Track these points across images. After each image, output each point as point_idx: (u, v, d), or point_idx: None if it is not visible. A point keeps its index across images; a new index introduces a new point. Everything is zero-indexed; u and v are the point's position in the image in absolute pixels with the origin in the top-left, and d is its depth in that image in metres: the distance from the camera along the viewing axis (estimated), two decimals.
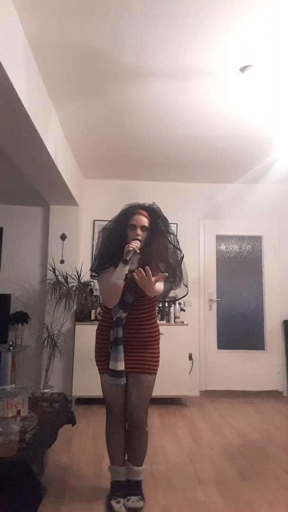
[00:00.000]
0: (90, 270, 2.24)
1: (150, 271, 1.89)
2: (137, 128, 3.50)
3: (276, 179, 4.67)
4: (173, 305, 4.47)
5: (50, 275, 4.37)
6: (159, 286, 2.05)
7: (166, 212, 5.00)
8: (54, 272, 4.32)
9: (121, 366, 2.05)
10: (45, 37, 2.28)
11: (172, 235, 2.20)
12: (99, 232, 2.29)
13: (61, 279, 4.30)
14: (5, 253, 4.78)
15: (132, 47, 2.37)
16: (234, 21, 2.13)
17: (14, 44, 2.09)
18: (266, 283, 4.94)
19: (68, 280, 4.29)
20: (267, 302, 4.90)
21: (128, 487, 2.20)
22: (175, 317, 4.42)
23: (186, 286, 2.22)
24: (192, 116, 3.24)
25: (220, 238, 5.02)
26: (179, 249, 2.19)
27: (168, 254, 2.16)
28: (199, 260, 4.92)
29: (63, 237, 4.57)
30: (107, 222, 2.26)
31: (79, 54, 2.44)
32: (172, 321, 4.38)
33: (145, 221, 2.12)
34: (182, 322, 4.40)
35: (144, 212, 2.15)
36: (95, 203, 4.83)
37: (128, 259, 1.94)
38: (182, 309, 4.56)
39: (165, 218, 2.22)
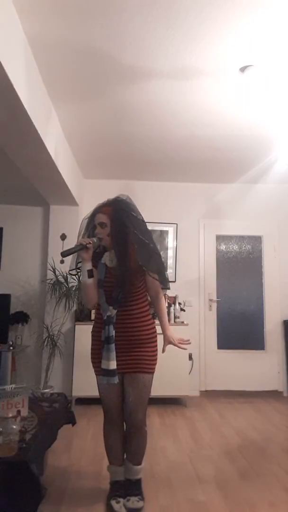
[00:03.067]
0: (69, 272, 2.28)
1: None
2: (137, 128, 3.50)
3: (276, 179, 4.67)
4: (173, 305, 4.48)
5: (50, 275, 4.38)
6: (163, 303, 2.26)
7: (166, 212, 4.99)
8: (54, 272, 4.32)
9: (113, 365, 2.04)
10: (45, 37, 2.28)
11: (136, 231, 2.11)
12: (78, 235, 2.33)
13: (61, 279, 4.30)
14: (5, 253, 4.78)
15: (132, 47, 2.37)
16: (234, 21, 2.13)
17: (14, 44, 2.09)
18: (266, 283, 4.94)
19: (68, 280, 4.29)
20: (267, 302, 4.90)
21: (127, 487, 2.20)
22: (175, 317, 4.42)
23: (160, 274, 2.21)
24: (192, 116, 3.24)
25: (220, 238, 5.02)
26: (147, 240, 2.13)
27: (140, 245, 2.11)
28: (199, 260, 4.92)
29: (63, 237, 4.57)
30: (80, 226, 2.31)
31: (79, 54, 2.44)
32: (172, 321, 4.38)
33: (103, 217, 2.12)
34: (182, 322, 4.41)
35: (105, 209, 2.15)
36: (95, 203, 4.78)
37: (76, 250, 2.02)
38: (182, 309, 4.56)
39: (128, 205, 2.17)
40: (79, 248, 2.03)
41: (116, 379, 2.06)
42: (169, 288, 2.27)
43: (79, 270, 2.24)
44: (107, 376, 2.05)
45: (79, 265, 2.21)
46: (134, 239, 2.09)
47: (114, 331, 2.08)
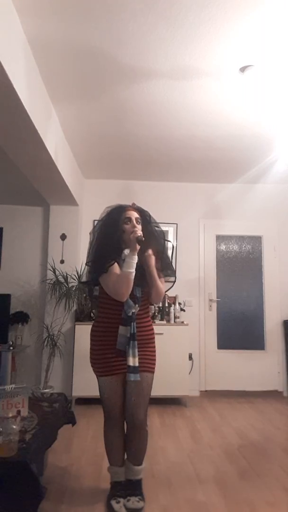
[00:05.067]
0: (93, 272, 2.15)
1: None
2: (137, 128, 3.50)
3: (276, 179, 4.67)
4: (173, 305, 4.48)
5: (50, 275, 4.37)
6: (163, 284, 2.22)
7: (166, 212, 5.02)
8: (54, 272, 4.32)
9: (137, 361, 2.07)
10: (45, 37, 2.28)
11: (159, 228, 2.29)
12: (90, 233, 2.31)
13: (61, 279, 4.30)
14: (5, 253, 4.78)
15: (132, 47, 2.37)
16: (234, 21, 2.13)
17: (14, 44, 2.09)
18: (266, 283, 4.93)
19: (68, 280, 4.29)
20: (267, 302, 4.90)
21: (128, 487, 2.20)
22: (175, 317, 4.42)
23: (174, 275, 2.33)
24: (192, 116, 3.24)
25: (220, 238, 5.02)
26: (169, 241, 2.34)
27: (161, 248, 2.24)
28: (199, 260, 4.92)
29: (63, 237, 4.57)
30: (94, 226, 2.32)
31: (79, 54, 2.44)
32: (172, 321, 4.38)
33: (137, 214, 2.19)
34: (182, 322, 4.40)
35: (132, 208, 2.24)
36: (95, 203, 4.79)
37: (142, 239, 2.01)
38: (182, 309, 4.56)
39: (149, 214, 2.29)
40: (142, 239, 2.03)
41: (139, 376, 2.07)
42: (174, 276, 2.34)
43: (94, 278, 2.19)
44: (134, 373, 2.05)
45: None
46: (159, 237, 2.23)
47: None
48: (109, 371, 2.13)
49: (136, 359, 2.06)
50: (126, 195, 4.70)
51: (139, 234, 2.03)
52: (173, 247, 2.32)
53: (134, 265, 2.03)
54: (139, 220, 2.18)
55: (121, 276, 2.03)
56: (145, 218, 2.23)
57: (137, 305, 2.12)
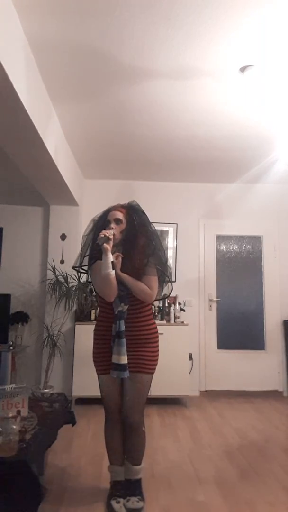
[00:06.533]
0: (74, 267, 2.28)
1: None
2: (137, 128, 3.50)
3: (276, 179, 4.67)
4: (173, 305, 4.48)
5: (50, 275, 4.38)
6: (153, 282, 2.14)
7: (166, 212, 5.02)
8: (54, 272, 4.32)
9: (124, 359, 2.05)
10: (45, 37, 2.28)
11: (150, 229, 2.22)
12: (83, 236, 2.34)
13: (61, 279, 4.30)
14: (5, 253, 4.78)
15: (132, 47, 2.37)
16: (234, 21, 2.13)
17: (14, 44, 2.09)
18: (266, 283, 4.93)
19: (68, 280, 4.29)
20: (267, 302, 4.90)
21: (127, 487, 2.20)
22: (175, 317, 4.42)
23: (170, 282, 2.31)
24: (192, 116, 3.24)
25: (220, 238, 5.02)
26: (155, 242, 2.22)
27: (153, 247, 2.18)
28: (199, 260, 4.92)
29: (63, 237, 4.57)
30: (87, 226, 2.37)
31: (79, 54, 2.44)
32: (172, 321, 4.38)
33: (118, 214, 2.17)
34: (182, 322, 4.40)
35: (120, 208, 2.21)
36: (95, 203, 4.78)
37: (100, 243, 2.01)
38: (182, 309, 4.56)
39: (143, 213, 2.25)
40: (106, 240, 2.02)
41: (127, 373, 2.06)
42: (171, 281, 2.32)
43: (83, 270, 2.28)
44: (118, 371, 2.04)
45: (85, 261, 2.24)
46: (146, 234, 2.17)
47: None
48: (107, 369, 2.13)
49: (123, 357, 2.04)
50: (126, 195, 4.66)
51: (102, 235, 2.02)
52: (155, 248, 2.23)
53: (110, 265, 2.02)
54: (121, 221, 2.15)
55: (102, 278, 2.05)
56: (130, 217, 2.18)
57: (123, 304, 2.10)
